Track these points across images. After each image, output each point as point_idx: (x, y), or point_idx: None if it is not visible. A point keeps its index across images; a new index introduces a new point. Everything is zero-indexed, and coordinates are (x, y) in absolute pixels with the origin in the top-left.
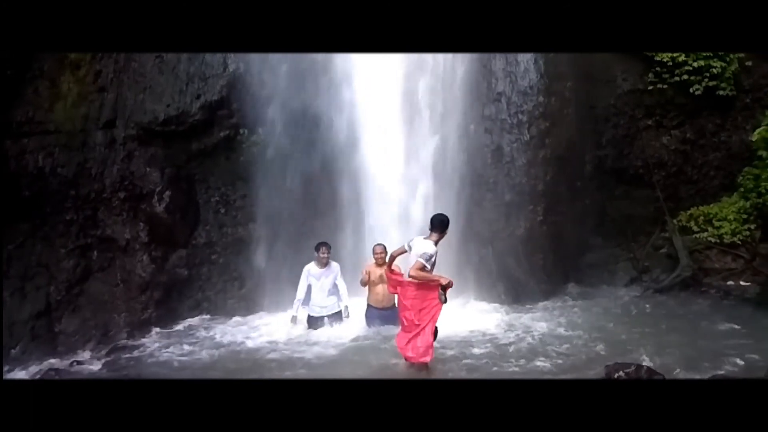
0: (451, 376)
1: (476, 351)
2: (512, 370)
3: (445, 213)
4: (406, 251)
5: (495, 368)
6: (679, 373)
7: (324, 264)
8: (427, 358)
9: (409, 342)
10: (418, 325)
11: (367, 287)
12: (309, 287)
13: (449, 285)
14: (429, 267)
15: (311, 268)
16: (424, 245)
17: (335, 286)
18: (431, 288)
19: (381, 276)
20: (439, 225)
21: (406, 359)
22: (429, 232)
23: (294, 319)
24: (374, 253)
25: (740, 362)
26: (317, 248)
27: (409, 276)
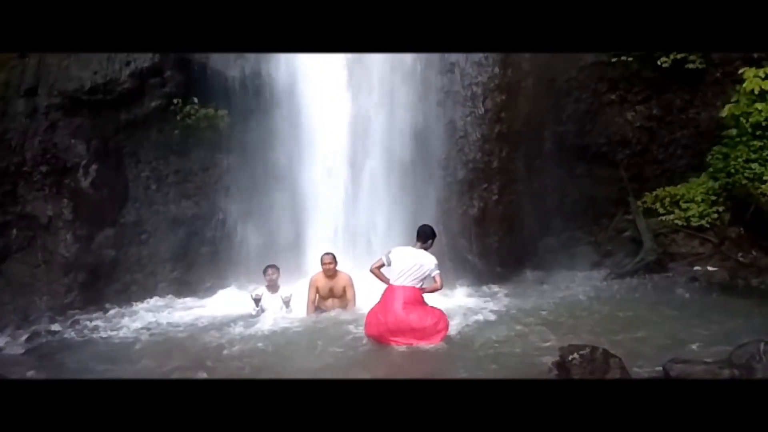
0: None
1: None
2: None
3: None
4: (384, 265)
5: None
6: (635, 359)
7: (274, 288)
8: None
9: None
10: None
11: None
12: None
13: None
14: None
15: (263, 294)
16: (428, 257)
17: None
18: None
19: (331, 289)
20: (426, 236)
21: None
22: (419, 242)
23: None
24: (323, 263)
25: (696, 349)
26: (264, 271)
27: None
